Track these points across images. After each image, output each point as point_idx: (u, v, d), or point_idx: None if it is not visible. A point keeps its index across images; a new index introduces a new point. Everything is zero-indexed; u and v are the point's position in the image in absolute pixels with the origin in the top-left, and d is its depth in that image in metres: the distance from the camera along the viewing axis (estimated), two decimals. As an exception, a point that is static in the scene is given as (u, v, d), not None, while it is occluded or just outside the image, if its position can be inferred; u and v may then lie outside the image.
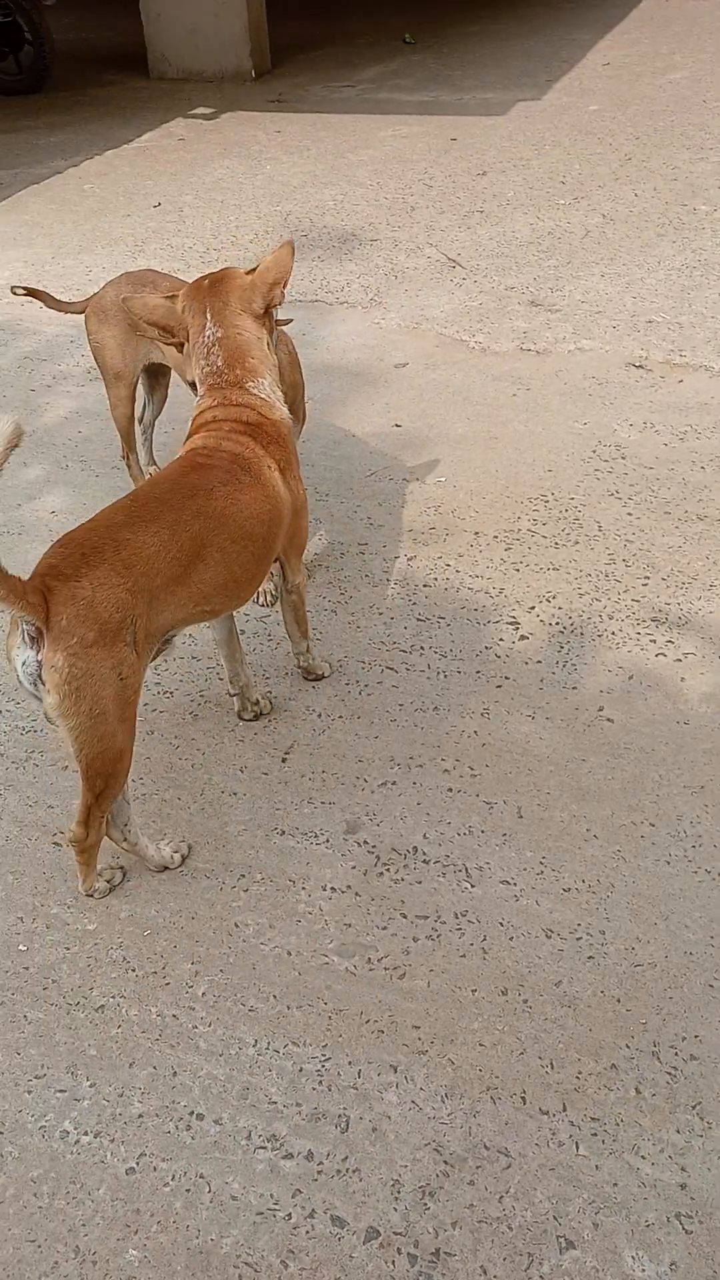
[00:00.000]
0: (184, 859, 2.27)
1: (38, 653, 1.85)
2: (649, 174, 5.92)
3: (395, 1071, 1.89)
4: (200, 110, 7.79)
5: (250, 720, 2.66)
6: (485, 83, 7.99)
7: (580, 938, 2.09)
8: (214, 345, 2.35)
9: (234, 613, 2.56)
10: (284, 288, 2.37)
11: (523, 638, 2.86)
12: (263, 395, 2.35)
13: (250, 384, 2.35)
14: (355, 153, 6.68)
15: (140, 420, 3.52)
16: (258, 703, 2.66)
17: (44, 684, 1.86)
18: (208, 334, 2.35)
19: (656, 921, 2.11)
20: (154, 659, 2.10)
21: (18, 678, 1.91)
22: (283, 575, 2.53)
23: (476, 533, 3.28)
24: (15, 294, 3.30)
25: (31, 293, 3.31)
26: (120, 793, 2.09)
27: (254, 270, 2.37)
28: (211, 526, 2.09)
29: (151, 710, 2.67)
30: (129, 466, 3.44)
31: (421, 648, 2.84)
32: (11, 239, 5.64)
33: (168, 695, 2.73)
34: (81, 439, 3.90)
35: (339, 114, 7.51)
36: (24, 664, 1.87)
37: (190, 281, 2.43)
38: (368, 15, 10.43)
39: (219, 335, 2.35)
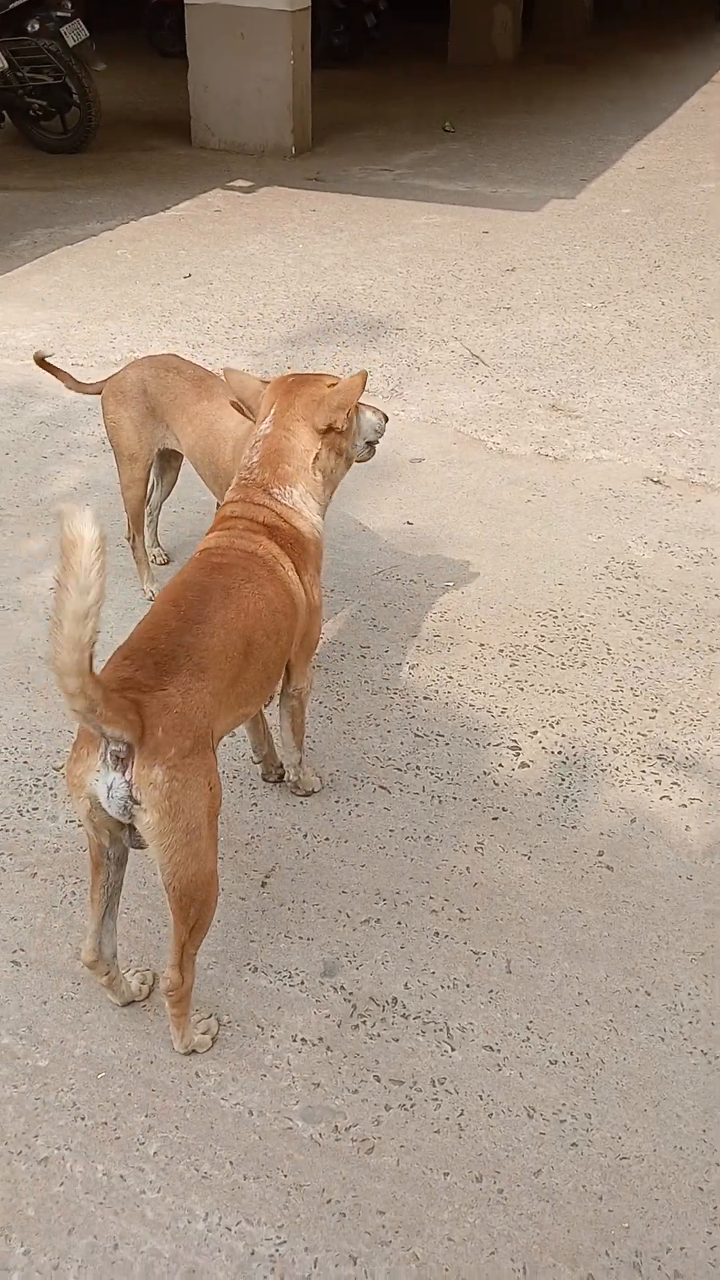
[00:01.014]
0: (150, 991, 2.13)
1: (125, 773, 1.72)
2: (677, 283, 5.93)
3: (355, 1264, 1.73)
4: (239, 183, 7.87)
5: (275, 782, 2.65)
6: (520, 177, 8.09)
7: (564, 1120, 1.94)
8: (259, 441, 2.34)
9: None
10: (348, 415, 2.33)
11: (523, 765, 2.74)
12: (287, 503, 2.30)
13: (276, 489, 2.30)
14: (388, 238, 6.72)
15: (148, 502, 3.44)
16: (281, 766, 2.63)
17: (139, 804, 1.73)
18: (261, 428, 2.34)
19: (647, 1108, 1.96)
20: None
21: (99, 802, 1.76)
22: (286, 677, 2.43)
23: (482, 644, 3.18)
24: (38, 364, 3.25)
25: (51, 370, 3.26)
26: (210, 924, 1.93)
27: (336, 384, 2.36)
28: (253, 624, 2.04)
29: (130, 817, 2.54)
30: (134, 548, 3.35)
31: (417, 767, 2.73)
32: (40, 299, 5.64)
33: (148, 802, 2.60)
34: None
35: (374, 197, 7.58)
36: (111, 788, 1.73)
37: (280, 375, 2.44)
38: (411, 100, 10.62)
39: (267, 433, 2.33)
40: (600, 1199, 1.83)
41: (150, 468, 3.18)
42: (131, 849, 1.89)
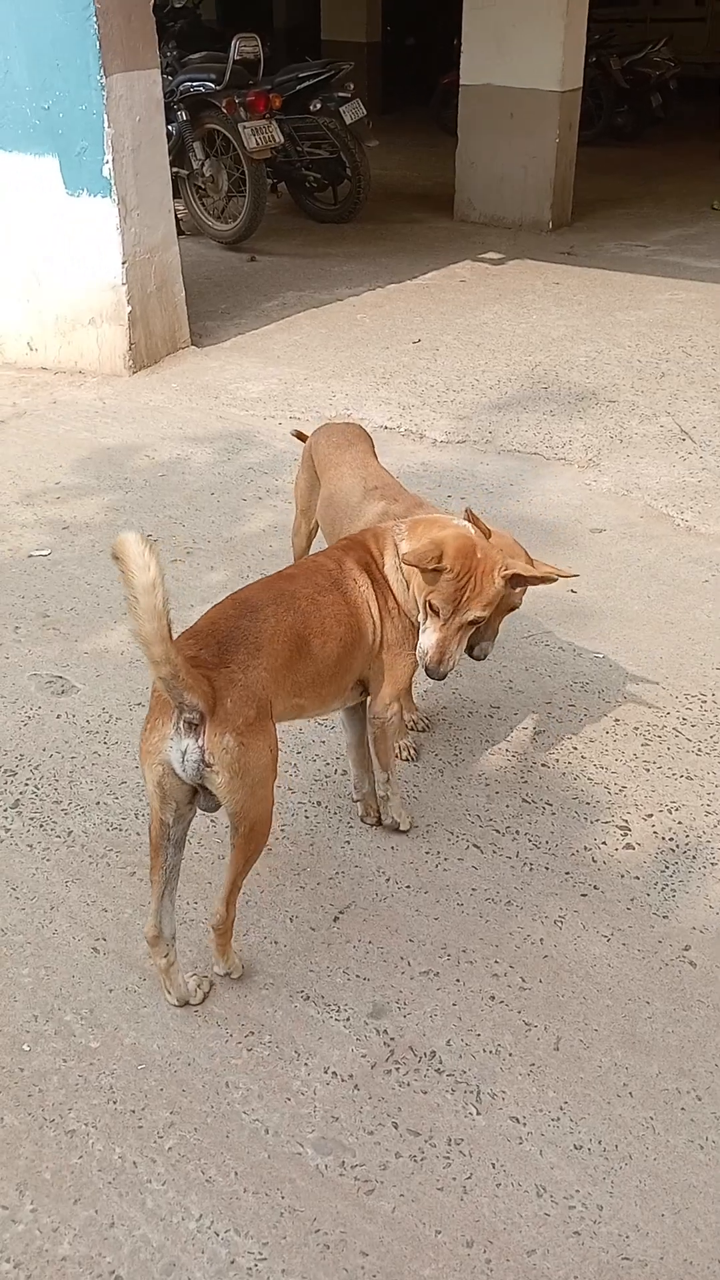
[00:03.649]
0: (205, 998, 2.25)
1: (198, 739, 1.92)
2: None
3: (326, 1297, 1.75)
4: (490, 255, 8.11)
5: (373, 825, 2.72)
6: (781, 256, 7.85)
7: (574, 1206, 1.87)
8: (436, 517, 2.45)
9: (361, 719, 2.60)
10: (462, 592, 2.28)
11: (628, 846, 2.67)
12: (386, 547, 2.40)
13: (389, 542, 2.40)
14: (625, 312, 6.72)
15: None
16: (378, 809, 2.72)
17: (210, 767, 1.93)
18: (456, 521, 2.40)
19: (665, 1213, 1.86)
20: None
21: (170, 769, 1.95)
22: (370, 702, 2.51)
23: (617, 720, 3.11)
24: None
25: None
26: (259, 856, 2.16)
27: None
28: (302, 621, 2.19)
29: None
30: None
31: (516, 831, 2.71)
32: (276, 357, 6.05)
33: (251, 824, 2.73)
34: (270, 553, 4.06)
35: (622, 272, 7.59)
36: (186, 753, 1.93)
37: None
38: (684, 179, 10.56)
39: (449, 528, 2.34)
40: (590, 1296, 1.75)
41: (314, 522, 3.36)
42: (202, 811, 2.06)
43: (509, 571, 2.32)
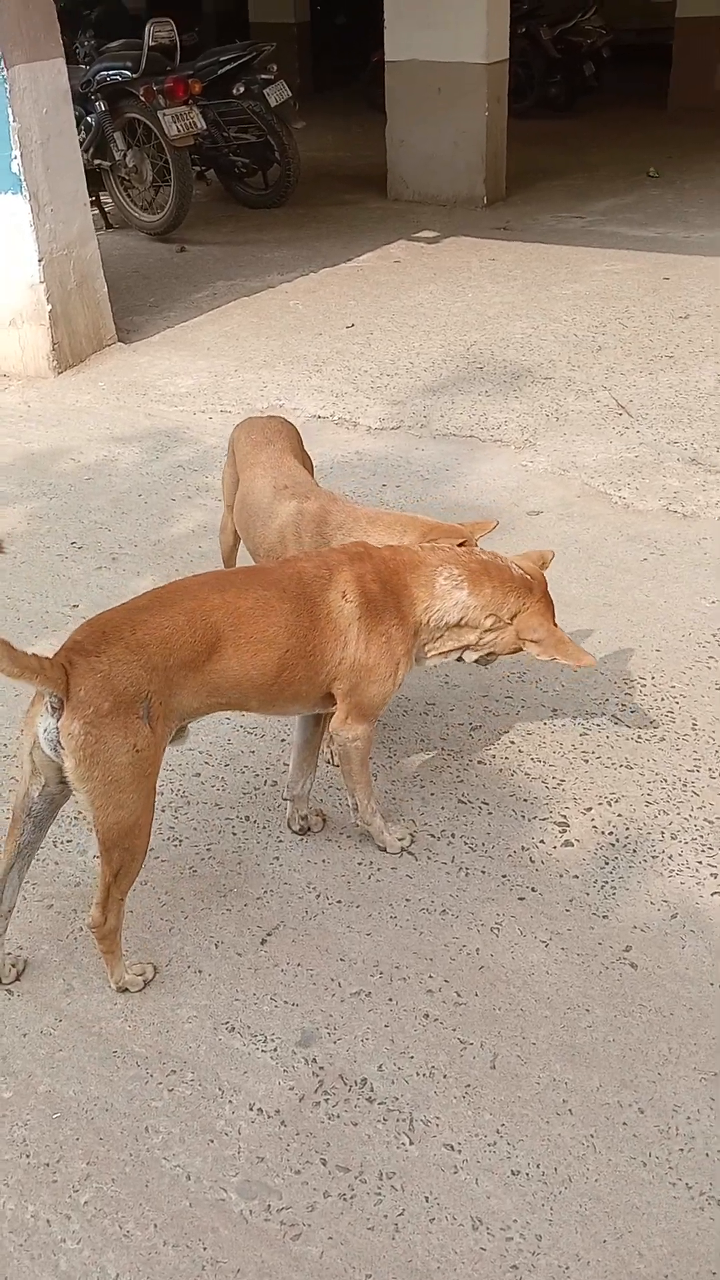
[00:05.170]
0: (18, 976, 2.27)
1: (58, 720, 1.95)
2: None
3: None
4: (424, 233, 7.97)
5: (298, 833, 2.62)
6: (718, 222, 7.76)
7: (511, 1238, 1.78)
8: (500, 563, 2.42)
9: (319, 722, 2.48)
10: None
11: (567, 844, 2.57)
12: (440, 579, 2.31)
13: (447, 571, 2.33)
14: (561, 286, 6.61)
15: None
16: (306, 817, 2.63)
17: (63, 748, 1.95)
18: (512, 567, 2.43)
19: (607, 1239, 1.77)
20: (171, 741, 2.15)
21: (38, 742, 1.99)
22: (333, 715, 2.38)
23: (554, 710, 3.02)
24: None
25: None
26: (137, 874, 2.11)
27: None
28: (230, 621, 2.12)
29: (154, 857, 2.57)
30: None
31: (452, 835, 2.61)
32: (207, 348, 5.89)
33: (175, 844, 2.62)
34: (199, 554, 3.93)
35: (559, 245, 7.48)
36: (45, 730, 1.97)
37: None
38: (619, 147, 10.45)
39: (514, 573, 2.41)
40: (528, 1336, 1.66)
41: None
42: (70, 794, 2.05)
43: (477, 539, 2.58)
